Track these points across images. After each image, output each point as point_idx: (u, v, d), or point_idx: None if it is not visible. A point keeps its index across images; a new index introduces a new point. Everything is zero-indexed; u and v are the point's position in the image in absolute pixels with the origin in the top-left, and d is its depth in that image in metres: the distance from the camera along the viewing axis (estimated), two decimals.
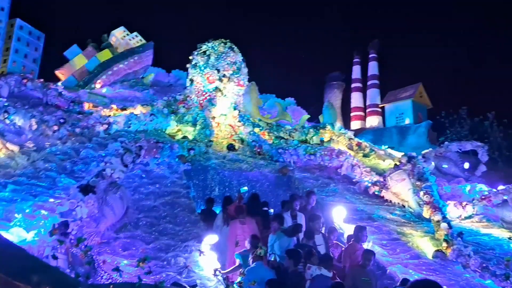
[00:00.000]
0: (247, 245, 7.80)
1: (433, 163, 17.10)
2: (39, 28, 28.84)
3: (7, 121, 11.76)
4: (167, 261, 8.20)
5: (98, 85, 24.67)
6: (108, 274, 7.28)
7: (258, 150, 16.35)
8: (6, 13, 28.15)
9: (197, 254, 8.17)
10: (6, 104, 12.22)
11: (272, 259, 8.24)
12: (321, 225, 9.29)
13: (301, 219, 9.65)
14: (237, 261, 7.85)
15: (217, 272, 7.04)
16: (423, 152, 17.43)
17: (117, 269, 5.34)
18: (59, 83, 20.52)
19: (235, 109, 18.90)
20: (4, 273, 4.76)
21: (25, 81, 15.87)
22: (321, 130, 19.41)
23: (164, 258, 8.25)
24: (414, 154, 14.44)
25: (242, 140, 17.45)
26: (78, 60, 25.19)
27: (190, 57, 19.68)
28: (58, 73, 25.37)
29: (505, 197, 13.11)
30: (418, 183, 12.96)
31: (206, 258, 8.11)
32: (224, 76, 18.79)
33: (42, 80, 17.33)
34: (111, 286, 4.97)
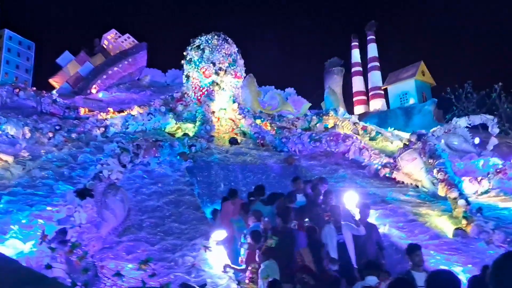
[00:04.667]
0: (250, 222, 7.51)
1: (442, 141, 16.56)
2: (28, 37, 28.49)
3: None
4: (174, 261, 7.74)
5: (94, 90, 24.26)
6: (112, 280, 6.86)
7: (261, 141, 15.92)
8: None
9: (205, 252, 7.71)
10: None
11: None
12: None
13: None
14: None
15: (228, 269, 6.59)
16: (431, 130, 16.90)
17: (118, 274, 4.90)
18: (54, 91, 20.13)
19: (234, 102, 18.44)
20: None
21: (17, 90, 15.46)
22: (324, 117, 18.95)
23: (171, 258, 7.79)
24: (423, 131, 13.92)
25: (244, 133, 17.03)
26: (71, 67, 24.78)
27: (184, 53, 19.22)
28: (52, 81, 24.97)
29: None
30: (430, 161, 12.45)
31: (215, 255, 7.66)
32: (220, 69, 18.33)
33: (34, 88, 16.94)
34: None
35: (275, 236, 6.19)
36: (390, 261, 8.34)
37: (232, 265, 7.12)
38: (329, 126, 18.17)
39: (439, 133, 16.89)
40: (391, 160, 13.30)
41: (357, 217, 9.06)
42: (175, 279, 7.09)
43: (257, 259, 6.85)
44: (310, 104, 27.26)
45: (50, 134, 12.47)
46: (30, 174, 10.29)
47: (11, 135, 11.59)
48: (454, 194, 11.00)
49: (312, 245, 7.38)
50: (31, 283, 4.73)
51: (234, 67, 18.79)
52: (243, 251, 7.62)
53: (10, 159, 10.63)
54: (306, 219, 8.22)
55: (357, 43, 38.74)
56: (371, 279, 5.84)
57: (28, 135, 11.85)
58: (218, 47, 18.70)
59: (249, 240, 7.35)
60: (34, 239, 7.40)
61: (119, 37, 27.52)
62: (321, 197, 9.15)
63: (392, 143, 17.16)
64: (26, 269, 5.15)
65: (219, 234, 8.07)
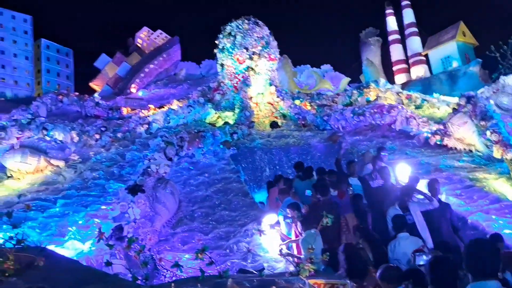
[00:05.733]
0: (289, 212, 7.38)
1: (492, 101, 15.71)
2: (65, 44, 29.27)
3: (48, 138, 11.74)
4: (229, 248, 7.78)
5: (133, 89, 24.73)
6: (171, 272, 6.96)
7: (303, 122, 15.70)
8: (30, 36, 28.74)
9: (258, 237, 7.67)
10: (43, 121, 12.21)
11: None
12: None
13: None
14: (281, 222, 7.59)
15: (283, 251, 6.52)
16: (479, 91, 16.06)
17: (177, 265, 4.88)
18: (96, 94, 20.68)
19: (271, 85, 18.22)
20: None
21: (60, 97, 15.95)
22: (365, 90, 18.39)
23: (225, 246, 7.84)
24: (472, 93, 13.22)
25: (284, 116, 16.84)
26: (109, 69, 25.36)
27: (216, 42, 19.13)
28: (92, 84, 25.68)
29: None
30: (482, 123, 11.80)
31: (269, 239, 7.61)
32: (253, 53, 18.12)
33: (77, 93, 17.43)
34: (173, 285, 4.52)
35: (329, 214, 6.02)
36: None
37: (286, 249, 7.03)
38: (372, 99, 17.64)
39: (488, 94, 16.03)
40: (441, 127, 12.73)
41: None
42: (232, 265, 7.11)
43: (299, 229, 6.90)
44: (349, 79, 26.64)
45: (97, 136, 12.80)
46: (82, 176, 10.61)
47: (60, 141, 11.98)
48: (510, 155, 10.42)
49: (358, 212, 7.68)
50: (92, 282, 4.84)
51: (268, 49, 18.52)
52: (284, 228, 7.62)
53: (61, 163, 11.00)
54: (351, 188, 8.27)
55: (391, 11, 37.31)
56: None
57: (76, 139, 12.21)
58: (249, 32, 18.48)
59: (290, 213, 7.29)
60: (92, 238, 7.62)
61: (152, 34, 27.85)
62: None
63: (439, 109, 16.46)
64: (87, 268, 5.27)
65: (271, 218, 8.00)
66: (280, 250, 6.70)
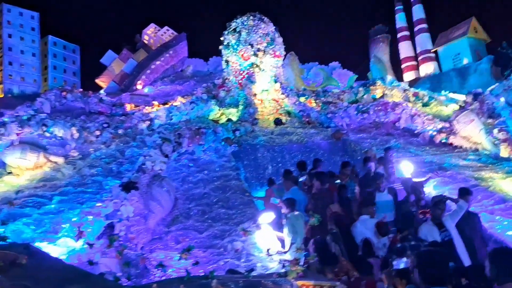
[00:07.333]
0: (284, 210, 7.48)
1: (502, 98, 15.33)
2: (72, 41, 29.29)
3: (47, 134, 11.67)
4: (223, 247, 7.62)
5: (139, 86, 24.70)
6: (161, 271, 6.83)
7: (307, 119, 15.48)
8: (37, 32, 28.85)
9: (253, 236, 7.51)
10: (43, 117, 12.16)
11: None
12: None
13: None
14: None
15: (271, 252, 6.38)
16: (489, 88, 15.69)
17: (161, 265, 4.79)
18: (102, 91, 20.68)
19: (276, 82, 18.03)
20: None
21: (64, 93, 15.92)
22: (371, 87, 18.13)
23: (220, 245, 7.68)
24: (479, 90, 12.91)
25: (288, 113, 16.63)
26: (116, 65, 25.34)
27: (221, 38, 18.98)
28: (98, 81, 25.69)
29: None
30: (489, 121, 11.54)
31: (265, 238, 7.44)
32: (258, 50, 17.94)
33: (81, 90, 17.39)
34: (154, 285, 4.39)
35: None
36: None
37: (275, 249, 6.90)
38: (377, 96, 17.36)
39: (498, 91, 15.67)
40: (447, 125, 12.46)
41: None
42: (225, 265, 6.97)
43: (282, 211, 7.39)
44: (357, 76, 26.30)
45: (97, 132, 12.71)
46: (80, 173, 10.52)
47: (60, 137, 11.91)
48: None
49: (342, 201, 8.10)
50: (75, 281, 4.73)
51: (273, 46, 18.33)
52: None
53: (60, 160, 10.93)
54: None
55: (401, 7, 36.80)
56: None
57: (76, 135, 12.14)
58: (254, 28, 18.29)
59: (283, 208, 7.47)
60: (84, 236, 7.51)
61: (159, 30, 27.77)
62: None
63: (447, 106, 16.14)
64: (70, 267, 5.17)
65: (267, 217, 7.83)
66: (268, 250, 6.55)
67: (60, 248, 7.24)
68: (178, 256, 6.93)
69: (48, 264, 5.23)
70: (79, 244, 7.46)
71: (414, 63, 35.01)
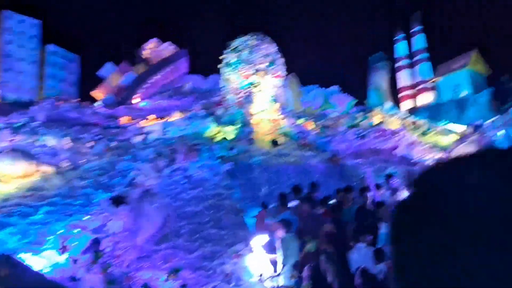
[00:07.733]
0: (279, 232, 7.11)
1: (503, 131, 15.26)
2: (73, 50, 29.09)
3: (39, 143, 11.41)
4: (213, 269, 7.33)
5: (136, 100, 24.53)
6: None
7: (304, 141, 15.30)
8: (37, 40, 28.72)
9: (244, 259, 7.23)
10: (36, 126, 11.91)
11: None
12: None
13: None
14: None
15: (263, 277, 6.10)
16: (489, 121, 15.63)
17: (146, 287, 4.52)
18: (98, 103, 20.48)
19: (275, 102, 17.90)
20: None
21: (60, 103, 15.70)
22: (369, 114, 18.04)
23: (209, 267, 7.39)
24: (480, 121, 12.82)
25: (286, 134, 16.46)
26: (114, 78, 25.17)
27: (221, 57, 18.89)
28: (94, 94, 25.47)
29: None
30: None
31: (256, 262, 7.16)
32: (259, 70, 17.83)
33: (77, 100, 17.21)
34: None
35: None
36: None
37: (267, 274, 6.63)
38: (375, 123, 17.26)
39: (498, 124, 15.61)
40: (445, 156, 12.30)
41: None
42: None
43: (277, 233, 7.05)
44: (356, 101, 26.32)
45: (91, 144, 12.46)
46: (70, 184, 10.24)
47: (51, 146, 11.65)
48: None
49: (337, 223, 7.78)
50: None
51: (274, 66, 18.25)
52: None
53: (49, 169, 10.65)
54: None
55: (402, 36, 37.04)
56: None
57: (68, 145, 11.88)
58: (256, 48, 18.22)
59: (278, 231, 7.14)
60: (69, 250, 7.21)
61: (160, 45, 27.76)
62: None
63: (445, 136, 16.04)
64: (51, 282, 4.90)
65: (260, 239, 7.56)
66: (260, 275, 6.27)
67: (42, 260, 6.94)
68: (165, 277, 6.65)
69: (29, 278, 4.97)
70: (63, 257, 7.16)
71: (411, 92, 35.06)
